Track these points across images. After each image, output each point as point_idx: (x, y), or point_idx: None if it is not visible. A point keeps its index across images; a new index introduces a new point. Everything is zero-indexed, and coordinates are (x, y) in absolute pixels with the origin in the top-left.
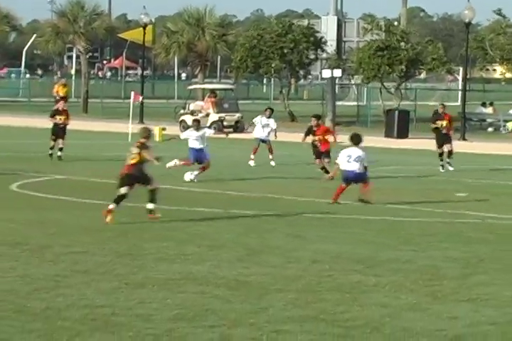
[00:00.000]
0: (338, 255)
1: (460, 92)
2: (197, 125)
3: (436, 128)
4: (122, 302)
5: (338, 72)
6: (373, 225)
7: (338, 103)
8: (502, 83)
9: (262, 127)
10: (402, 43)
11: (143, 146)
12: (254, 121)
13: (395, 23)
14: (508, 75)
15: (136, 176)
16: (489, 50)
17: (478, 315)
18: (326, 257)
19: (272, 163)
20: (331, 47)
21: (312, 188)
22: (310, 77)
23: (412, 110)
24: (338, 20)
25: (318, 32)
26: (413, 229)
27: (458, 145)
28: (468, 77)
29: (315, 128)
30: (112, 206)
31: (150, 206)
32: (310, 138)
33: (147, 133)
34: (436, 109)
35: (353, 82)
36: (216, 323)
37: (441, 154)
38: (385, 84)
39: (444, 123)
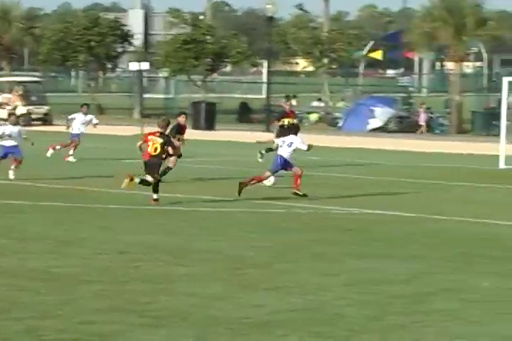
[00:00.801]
0: (147, 246)
1: (264, 85)
2: (14, 120)
3: (282, 125)
4: None
5: (145, 65)
6: (182, 216)
7: (146, 95)
8: (302, 76)
9: (81, 124)
10: (208, 37)
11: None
12: (71, 118)
13: (201, 17)
14: (309, 69)
15: (151, 166)
16: (291, 43)
17: (282, 303)
18: (134, 248)
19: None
20: (138, 40)
21: (122, 180)
22: (118, 69)
23: (218, 102)
24: (145, 14)
25: (125, 25)
26: (221, 219)
27: (264, 137)
28: (272, 70)
29: (184, 124)
30: (137, 180)
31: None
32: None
33: (165, 123)
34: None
35: (160, 74)
36: (23, 315)
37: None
38: (191, 77)
39: (286, 121)
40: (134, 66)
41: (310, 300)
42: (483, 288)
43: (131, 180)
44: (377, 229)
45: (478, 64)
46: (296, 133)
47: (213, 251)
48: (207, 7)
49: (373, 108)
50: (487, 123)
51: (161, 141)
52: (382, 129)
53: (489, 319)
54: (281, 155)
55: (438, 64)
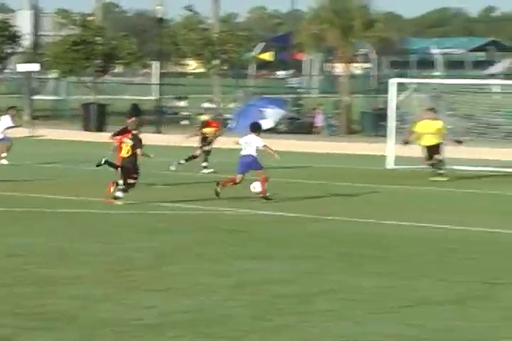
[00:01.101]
0: (33, 248)
1: (154, 86)
2: None
3: (203, 134)
4: None
5: (34, 67)
6: (67, 218)
7: (36, 97)
8: (189, 77)
9: (6, 128)
10: (98, 38)
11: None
12: (9, 126)
13: (90, 18)
14: (200, 70)
15: (127, 168)
16: (182, 45)
17: (173, 304)
18: (21, 251)
19: (4, 162)
20: (26, 41)
21: (4, 183)
22: (6, 71)
23: (109, 104)
24: (34, 15)
25: (13, 26)
26: (106, 221)
27: (153, 139)
28: (163, 71)
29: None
30: (120, 182)
31: (119, 194)
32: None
33: (135, 124)
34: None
35: (50, 76)
36: None
37: (195, 157)
38: (82, 78)
39: (208, 130)
40: (22, 67)
41: (200, 301)
42: (363, 288)
43: (117, 185)
44: (261, 229)
45: (366, 65)
46: (258, 133)
47: (99, 253)
48: (96, 8)
49: (264, 109)
50: (375, 124)
51: (131, 143)
52: (272, 130)
53: (367, 318)
54: (250, 154)
55: (328, 65)
